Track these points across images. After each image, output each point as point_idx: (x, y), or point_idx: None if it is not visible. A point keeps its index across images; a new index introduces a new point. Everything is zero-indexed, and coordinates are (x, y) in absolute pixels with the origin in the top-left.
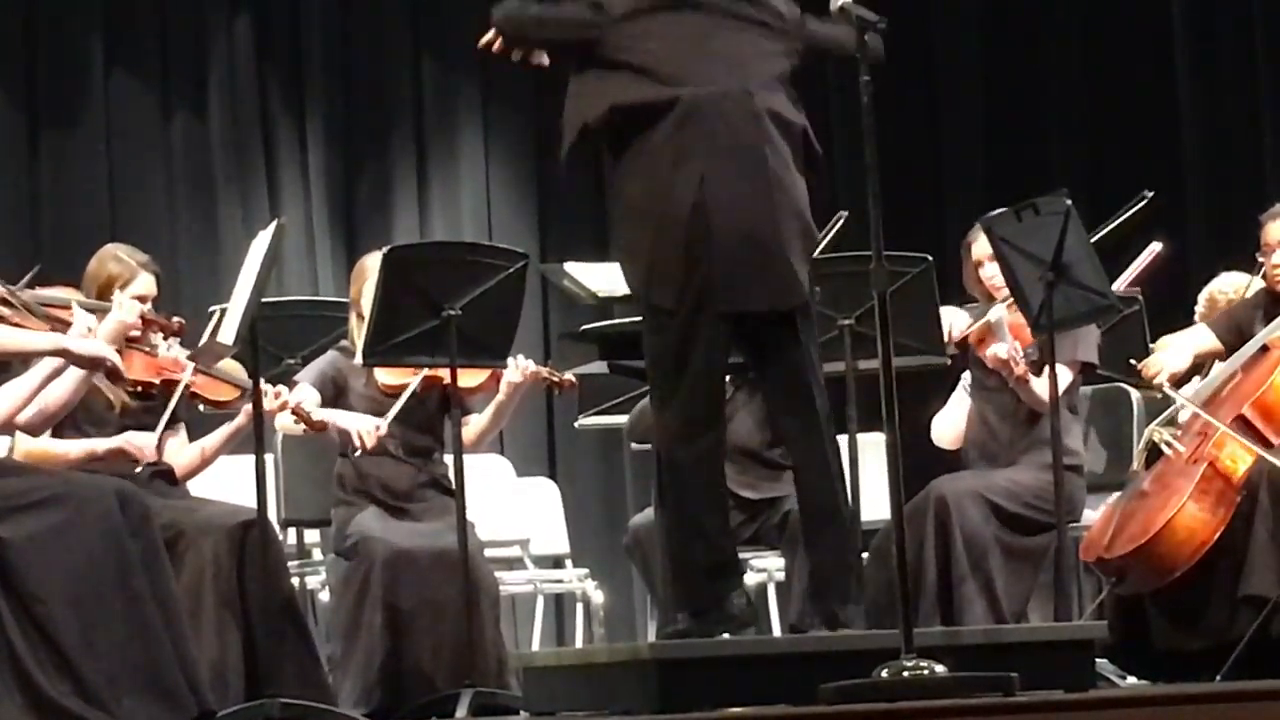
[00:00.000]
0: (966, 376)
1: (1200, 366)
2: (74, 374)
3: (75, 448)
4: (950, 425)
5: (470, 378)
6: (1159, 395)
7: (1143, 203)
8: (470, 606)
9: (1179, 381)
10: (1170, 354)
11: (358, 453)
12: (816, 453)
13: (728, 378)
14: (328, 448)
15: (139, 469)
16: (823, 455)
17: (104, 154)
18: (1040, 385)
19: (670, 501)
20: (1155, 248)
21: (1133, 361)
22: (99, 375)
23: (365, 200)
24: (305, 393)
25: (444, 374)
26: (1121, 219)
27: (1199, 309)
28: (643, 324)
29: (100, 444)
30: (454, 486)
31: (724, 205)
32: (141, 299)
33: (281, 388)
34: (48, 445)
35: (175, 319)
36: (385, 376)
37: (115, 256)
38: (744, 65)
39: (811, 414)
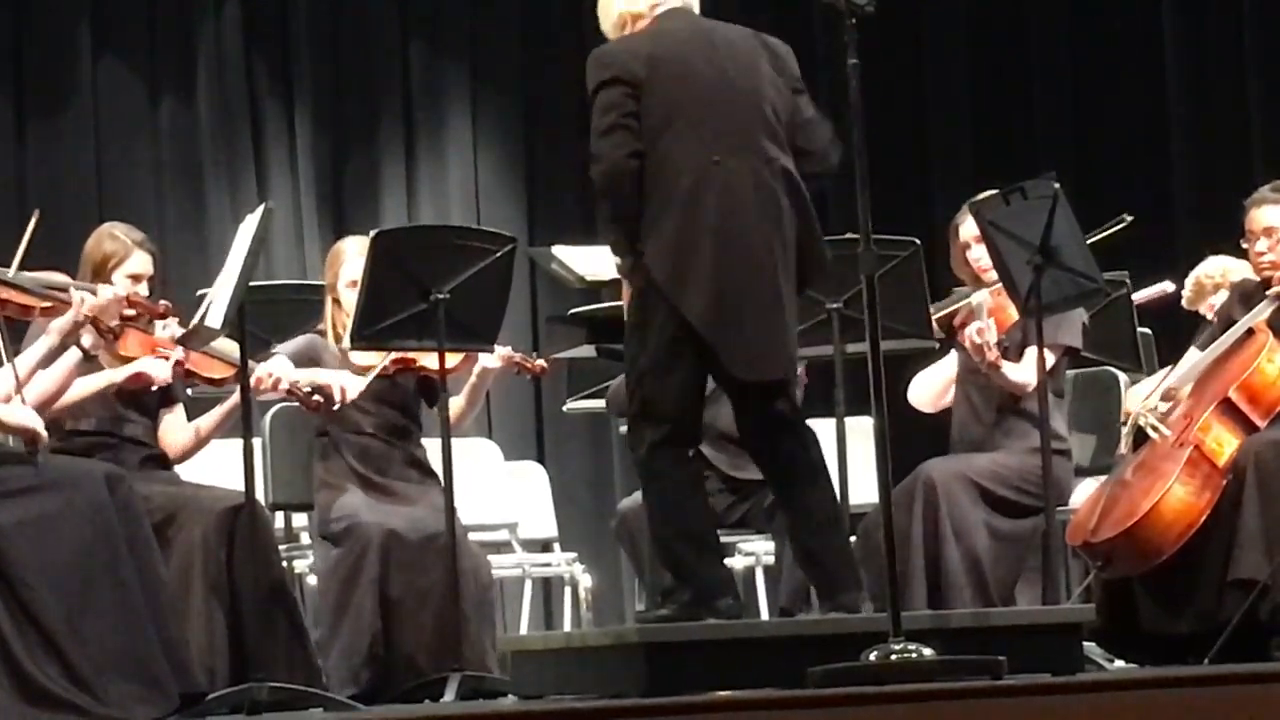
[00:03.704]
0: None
1: (1182, 347)
2: (67, 359)
3: (92, 382)
4: (928, 385)
5: (446, 360)
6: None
7: (1120, 225)
8: (458, 591)
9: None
10: (1139, 388)
11: (335, 406)
12: (818, 464)
13: None
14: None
15: (136, 454)
16: (823, 463)
17: (92, 139)
18: (1014, 371)
19: (654, 505)
20: (1167, 288)
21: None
22: (100, 351)
23: (353, 184)
24: (282, 364)
25: (416, 356)
26: (1097, 237)
27: (1185, 293)
28: (632, 330)
29: (118, 373)
30: (435, 468)
31: (738, 271)
32: (136, 277)
33: (268, 365)
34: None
35: (162, 303)
36: (359, 357)
37: (112, 235)
38: (759, 133)
39: (806, 433)
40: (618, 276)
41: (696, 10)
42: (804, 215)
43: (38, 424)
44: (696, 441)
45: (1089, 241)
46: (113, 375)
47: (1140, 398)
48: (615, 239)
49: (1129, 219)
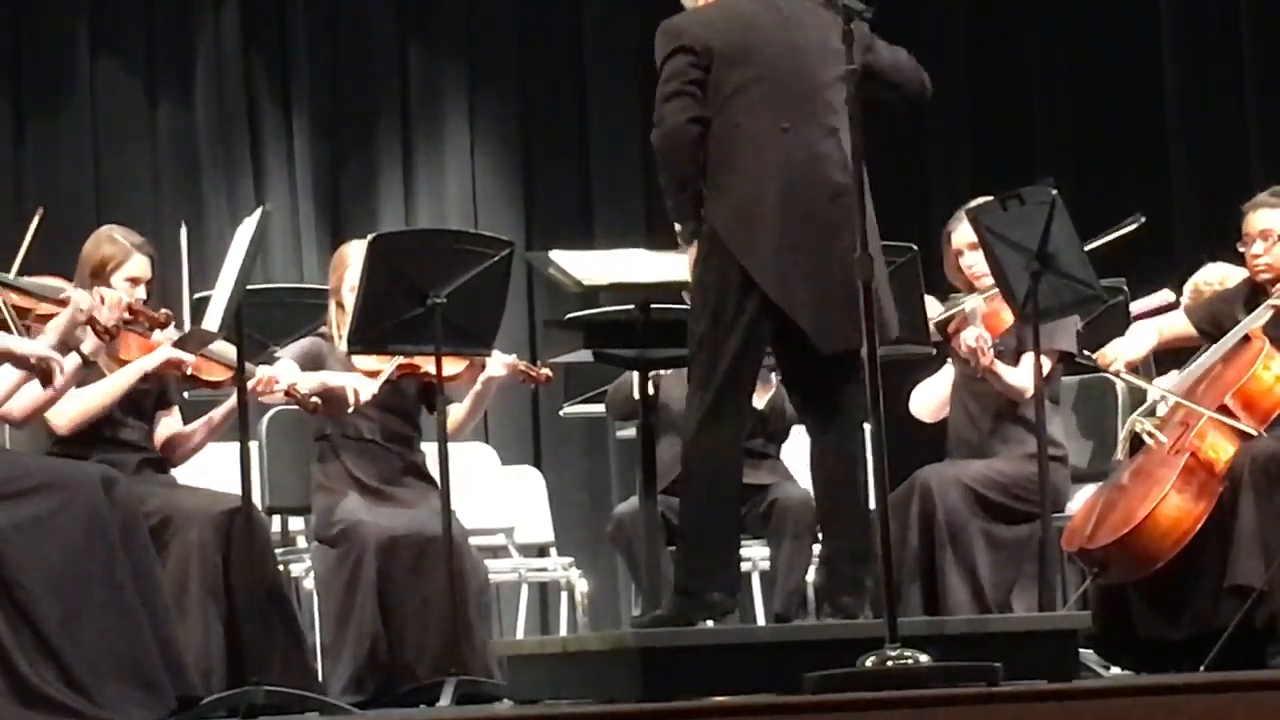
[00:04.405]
0: None
1: (1176, 354)
2: (66, 364)
3: (119, 380)
4: (928, 397)
5: (449, 367)
6: (1119, 381)
7: (1134, 225)
8: (456, 595)
9: (1140, 367)
10: (1128, 340)
11: (349, 409)
12: (846, 437)
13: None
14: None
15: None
16: (852, 439)
17: (90, 141)
18: (1010, 374)
19: (686, 480)
20: (1168, 297)
21: (1087, 353)
22: (101, 356)
23: (350, 187)
24: (288, 367)
25: (421, 362)
26: (1110, 238)
27: (1184, 300)
28: (694, 294)
29: (149, 361)
30: (434, 474)
31: (800, 236)
32: (135, 280)
33: (267, 367)
34: (90, 393)
35: (163, 311)
36: (364, 362)
37: (110, 238)
38: (824, 104)
39: (843, 412)
40: (615, 280)
41: None
42: (860, 189)
43: (54, 355)
44: (743, 421)
45: (1100, 243)
46: (144, 364)
47: (1114, 353)
48: (676, 204)
49: (1142, 219)
